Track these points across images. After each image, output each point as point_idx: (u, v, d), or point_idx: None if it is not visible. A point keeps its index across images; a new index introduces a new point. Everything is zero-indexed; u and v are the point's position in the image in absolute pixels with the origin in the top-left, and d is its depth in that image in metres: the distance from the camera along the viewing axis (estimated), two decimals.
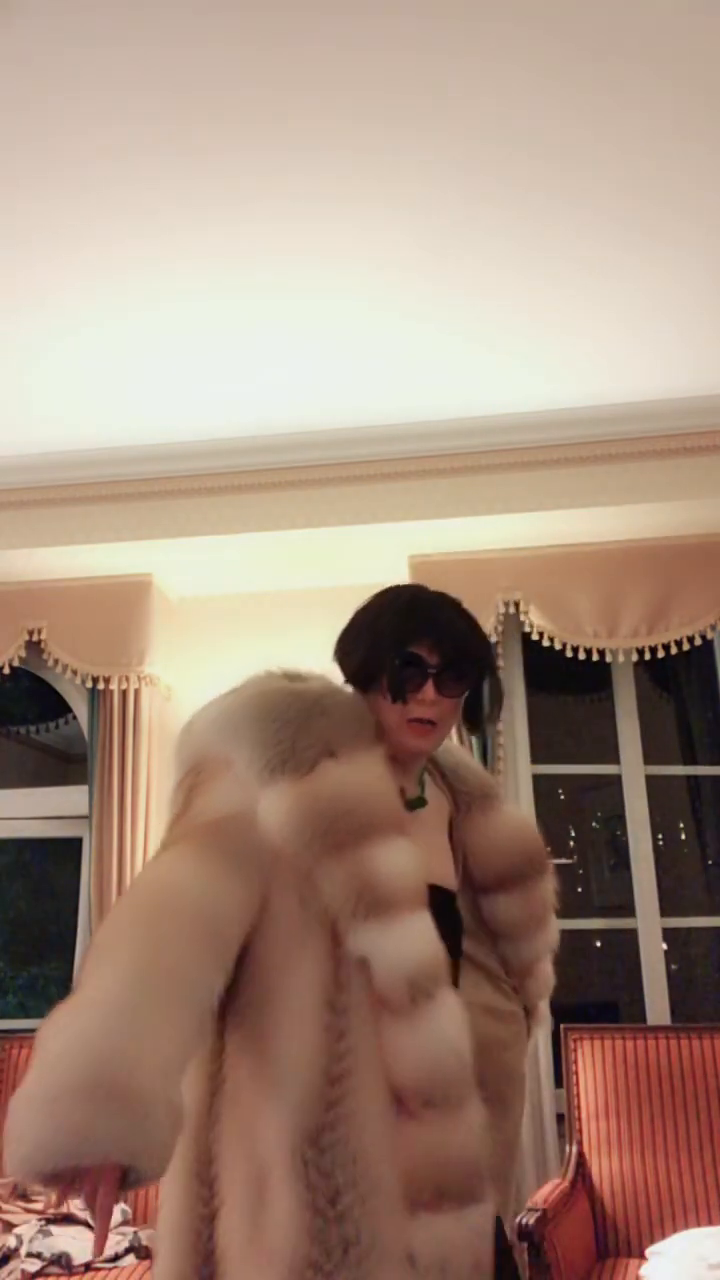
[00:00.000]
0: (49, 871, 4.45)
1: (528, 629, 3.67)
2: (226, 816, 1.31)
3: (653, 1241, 2.70)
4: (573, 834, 4.71)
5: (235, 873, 1.26)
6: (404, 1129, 1.21)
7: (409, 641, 1.44)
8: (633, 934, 3.53)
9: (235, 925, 1.24)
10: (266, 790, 1.31)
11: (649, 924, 3.53)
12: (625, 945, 3.55)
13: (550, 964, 1.54)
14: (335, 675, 1.54)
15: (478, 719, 1.53)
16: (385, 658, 1.44)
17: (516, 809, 1.64)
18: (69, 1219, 2.92)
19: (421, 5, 1.97)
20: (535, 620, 3.65)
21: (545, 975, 1.53)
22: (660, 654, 3.63)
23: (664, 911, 3.55)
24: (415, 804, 1.46)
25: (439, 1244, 1.17)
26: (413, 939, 1.25)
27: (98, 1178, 1.01)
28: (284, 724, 1.35)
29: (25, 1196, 3.00)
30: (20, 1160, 1.00)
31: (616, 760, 3.71)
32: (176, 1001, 1.13)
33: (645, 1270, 2.58)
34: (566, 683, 4.02)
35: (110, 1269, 2.80)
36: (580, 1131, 2.99)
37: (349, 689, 1.49)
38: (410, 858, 1.29)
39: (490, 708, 1.52)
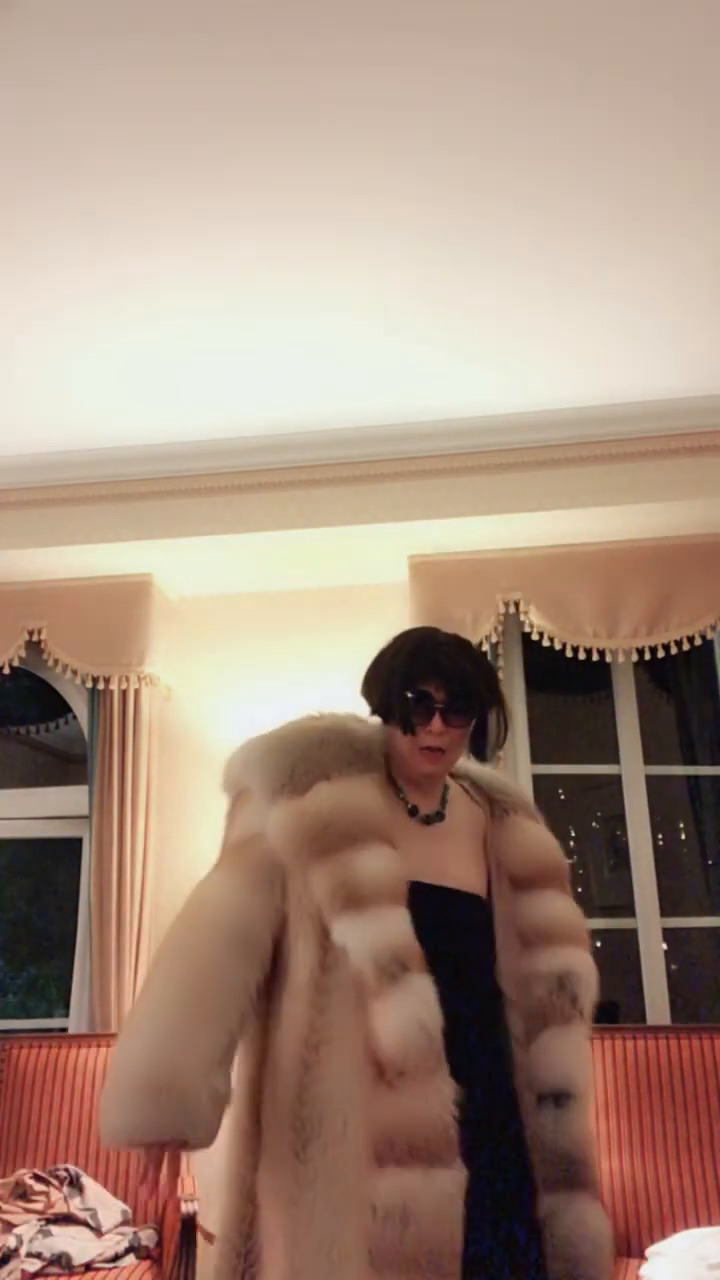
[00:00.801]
0: (49, 871, 4.45)
1: (528, 629, 3.67)
2: (249, 837, 1.62)
3: (653, 1241, 2.70)
4: (573, 834, 4.71)
5: (258, 884, 1.56)
6: (380, 1094, 1.42)
7: (418, 681, 1.66)
8: (633, 934, 3.53)
9: (263, 927, 1.54)
10: (271, 810, 1.58)
11: (649, 924, 3.53)
12: (625, 945, 3.55)
13: (582, 966, 1.64)
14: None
15: (482, 747, 1.74)
16: (398, 695, 1.67)
17: (545, 830, 1.82)
18: (69, 1219, 2.92)
19: (416, 23, 1.97)
20: (535, 620, 3.65)
21: (579, 976, 1.63)
22: (660, 654, 3.63)
23: (664, 911, 3.55)
24: (432, 819, 1.69)
25: (400, 1194, 1.37)
26: (382, 928, 1.47)
27: (160, 1150, 1.41)
28: (288, 755, 1.62)
29: (25, 1196, 3.00)
30: (106, 1136, 1.45)
31: (616, 760, 3.71)
32: (218, 1002, 1.47)
33: (645, 1270, 2.58)
34: (566, 683, 4.02)
35: (110, 1269, 2.80)
36: None
37: (364, 722, 1.73)
38: (386, 862, 1.52)
39: (495, 736, 1.73)
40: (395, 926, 1.48)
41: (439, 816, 1.70)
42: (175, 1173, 1.42)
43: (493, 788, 1.81)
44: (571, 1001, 1.59)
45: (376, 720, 1.73)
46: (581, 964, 1.63)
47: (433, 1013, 1.43)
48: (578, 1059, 1.58)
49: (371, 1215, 1.37)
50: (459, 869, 1.66)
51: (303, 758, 1.61)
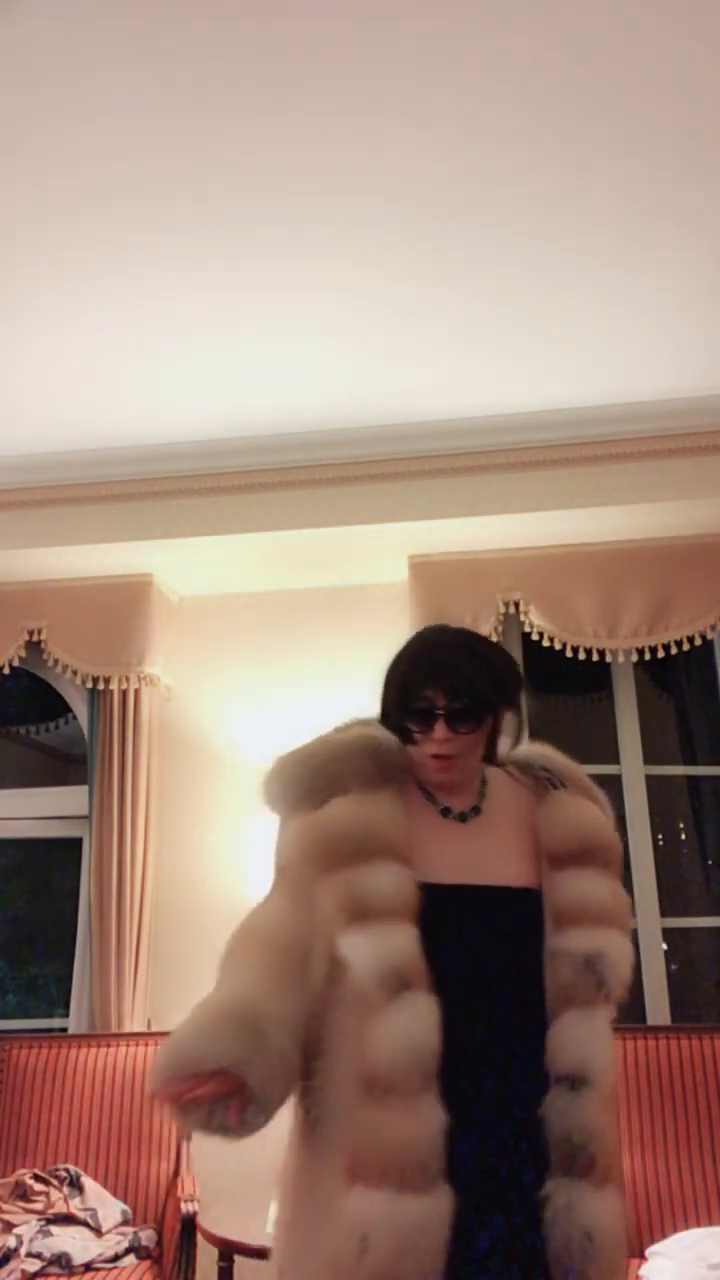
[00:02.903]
0: (49, 871, 4.44)
1: (528, 629, 3.67)
2: (285, 858, 1.62)
3: (653, 1241, 2.70)
4: None
5: (296, 900, 1.56)
6: (365, 1109, 1.40)
7: (419, 688, 1.61)
8: (633, 934, 3.51)
9: (309, 937, 1.53)
10: (288, 825, 1.61)
11: (649, 924, 3.54)
12: None
13: (612, 947, 1.56)
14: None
15: (491, 752, 1.69)
16: (397, 704, 1.64)
17: (594, 807, 1.71)
18: (69, 1219, 2.92)
19: (416, 21, 1.97)
20: (535, 620, 3.65)
21: (607, 958, 1.55)
22: (660, 654, 3.63)
23: (664, 911, 3.55)
24: (467, 815, 1.64)
25: (361, 1217, 1.34)
26: (385, 944, 1.45)
27: (221, 1081, 1.34)
28: (308, 770, 1.62)
29: (25, 1196, 3.00)
30: (166, 1061, 1.37)
31: (616, 760, 3.71)
32: (290, 980, 1.47)
33: (645, 1270, 2.58)
34: (566, 683, 4.01)
35: (110, 1269, 2.80)
36: None
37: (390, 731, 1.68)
38: (393, 878, 1.50)
39: (512, 735, 1.70)
40: (399, 942, 1.46)
41: (475, 811, 1.65)
42: (218, 1094, 1.35)
43: (536, 765, 1.72)
44: (597, 984, 1.52)
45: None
46: (612, 946, 1.55)
47: (427, 1032, 1.41)
48: (596, 1043, 1.49)
49: (337, 1236, 1.35)
50: (499, 864, 1.61)
51: (321, 773, 1.60)
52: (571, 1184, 1.43)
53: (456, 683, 1.59)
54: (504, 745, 1.74)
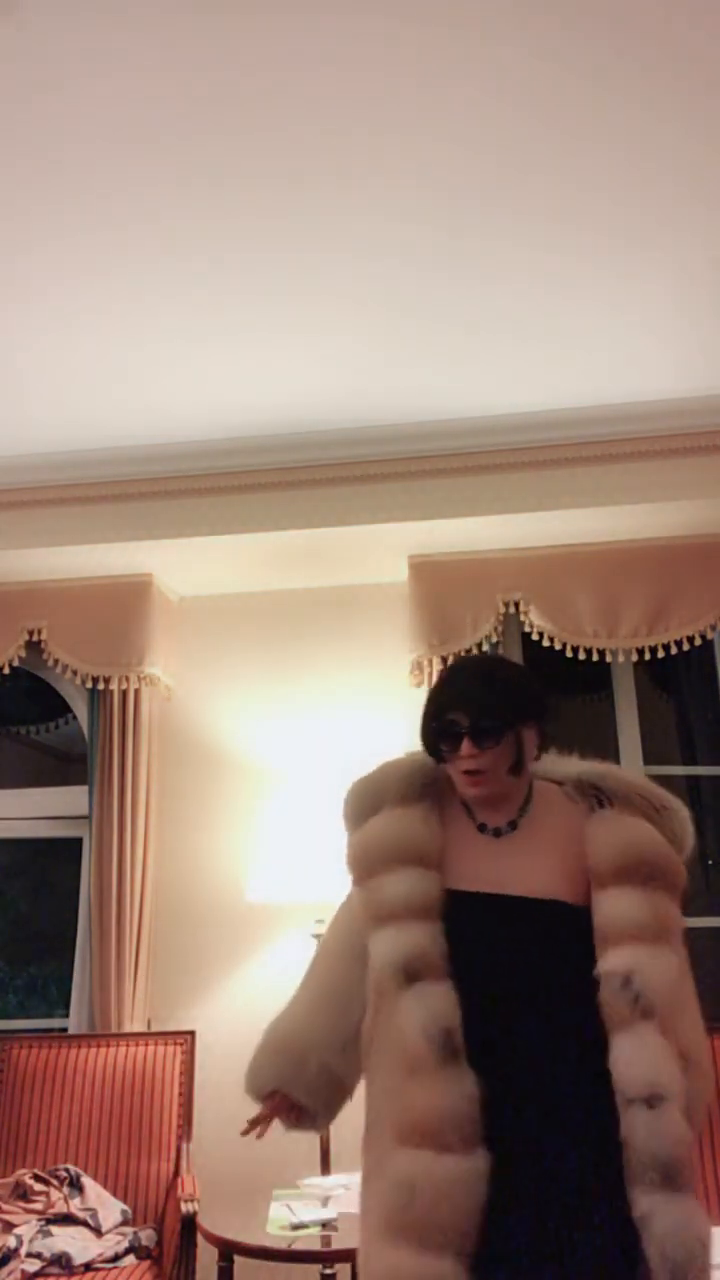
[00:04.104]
0: (49, 871, 4.44)
1: (528, 629, 3.67)
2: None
3: None
4: None
5: (349, 913, 1.82)
6: (407, 1086, 1.58)
7: (444, 711, 1.78)
8: None
9: (359, 952, 1.76)
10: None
11: None
12: None
13: (645, 963, 1.61)
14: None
15: (517, 764, 1.77)
16: (427, 726, 1.82)
17: (642, 825, 1.77)
18: (69, 1219, 2.92)
19: (416, 19, 1.97)
20: (535, 620, 3.65)
21: (642, 974, 1.60)
22: (660, 654, 3.63)
23: None
24: (502, 831, 1.78)
25: (409, 1170, 1.53)
26: (400, 940, 1.64)
27: (273, 1100, 1.81)
28: (363, 793, 1.85)
29: (25, 1197, 3.00)
30: (248, 1087, 1.83)
31: (617, 760, 3.70)
32: (338, 996, 1.80)
33: None
34: (566, 683, 4.01)
35: (110, 1269, 2.80)
36: None
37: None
38: (413, 882, 1.68)
39: (532, 750, 1.81)
40: (413, 937, 1.64)
41: (512, 827, 1.78)
42: (271, 1116, 1.81)
43: (589, 783, 1.81)
44: (633, 1002, 1.57)
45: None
46: (643, 962, 1.60)
47: (437, 1017, 1.57)
48: (651, 1059, 1.55)
49: (388, 1186, 1.55)
50: (527, 876, 1.72)
51: (367, 793, 1.84)
52: (674, 1198, 1.50)
53: (477, 704, 1.75)
54: (549, 760, 1.88)
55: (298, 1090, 1.78)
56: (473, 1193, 1.49)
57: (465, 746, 1.74)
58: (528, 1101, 1.57)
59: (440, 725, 1.77)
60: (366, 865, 1.75)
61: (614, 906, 1.66)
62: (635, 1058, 1.55)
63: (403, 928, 1.65)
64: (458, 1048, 1.56)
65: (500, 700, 1.76)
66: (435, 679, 1.90)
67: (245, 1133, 1.81)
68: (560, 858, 1.73)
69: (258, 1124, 1.81)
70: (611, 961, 1.61)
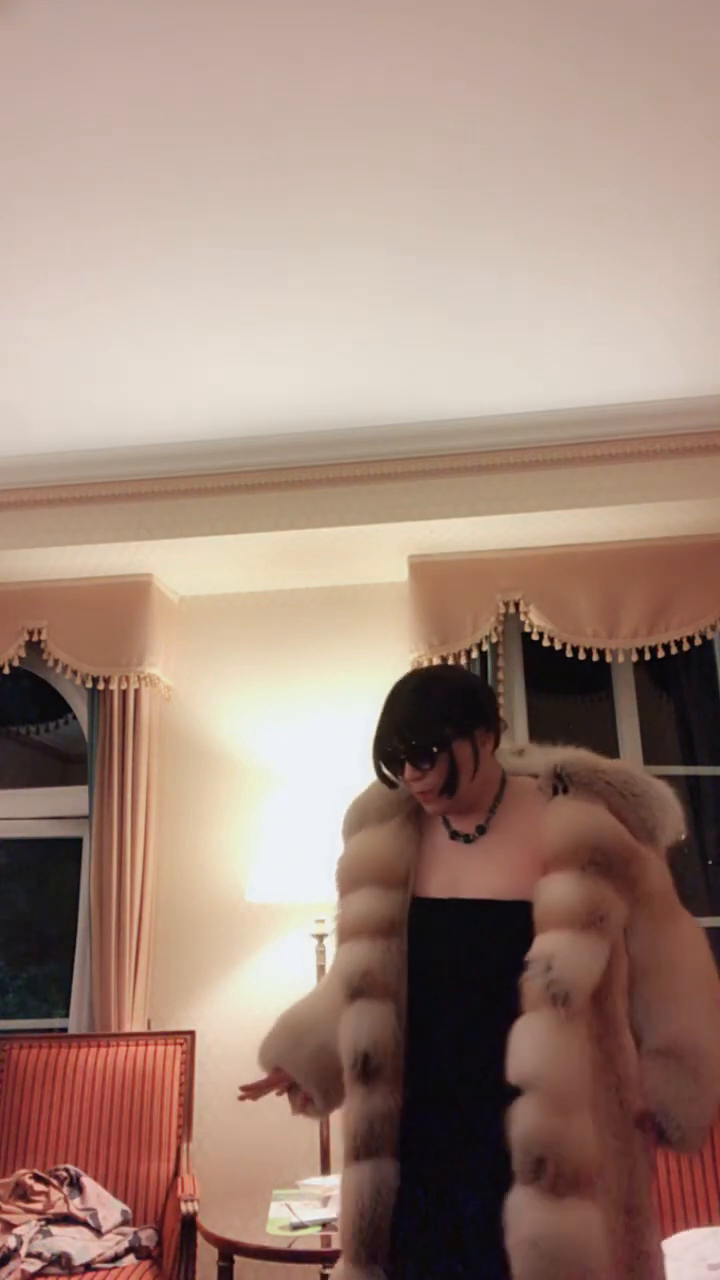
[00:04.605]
0: (49, 871, 4.44)
1: (528, 629, 3.67)
2: None
3: None
4: None
5: None
6: (349, 1096, 1.69)
7: (385, 739, 1.79)
8: None
9: None
10: None
11: None
12: None
13: (562, 948, 1.56)
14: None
15: (448, 785, 1.74)
16: (378, 757, 1.82)
17: (592, 809, 1.71)
18: (69, 1219, 2.93)
19: (416, 16, 1.97)
20: (535, 620, 3.65)
21: (556, 959, 1.56)
22: (660, 654, 3.63)
23: None
24: (471, 837, 1.79)
25: (346, 1183, 1.65)
26: (348, 958, 1.72)
27: (277, 1075, 1.86)
28: (351, 810, 1.92)
29: (25, 1197, 3.00)
30: (258, 1061, 1.88)
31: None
32: (332, 998, 1.79)
33: None
34: (566, 683, 4.01)
35: (110, 1269, 2.80)
36: None
37: None
38: (369, 902, 1.74)
39: (468, 765, 1.76)
40: (360, 956, 1.70)
41: (480, 831, 1.78)
42: (267, 1087, 1.86)
43: (554, 772, 1.77)
44: (545, 987, 1.52)
45: None
46: (563, 947, 1.54)
47: (363, 1032, 1.65)
48: (533, 1045, 1.50)
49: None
50: (491, 878, 1.72)
51: (358, 811, 1.91)
52: (520, 1191, 1.46)
53: (409, 726, 1.75)
54: (536, 752, 1.88)
55: (296, 1069, 1.82)
56: (380, 1199, 1.60)
57: (408, 770, 1.75)
58: (433, 1105, 1.64)
59: (382, 752, 1.80)
60: (340, 884, 1.83)
61: (550, 892, 1.60)
62: (518, 1043, 1.51)
63: (355, 944, 1.72)
64: (375, 1068, 1.63)
65: (431, 717, 1.74)
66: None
67: (242, 1098, 1.86)
68: (526, 852, 1.69)
69: (252, 1090, 1.86)
70: (536, 947, 1.56)
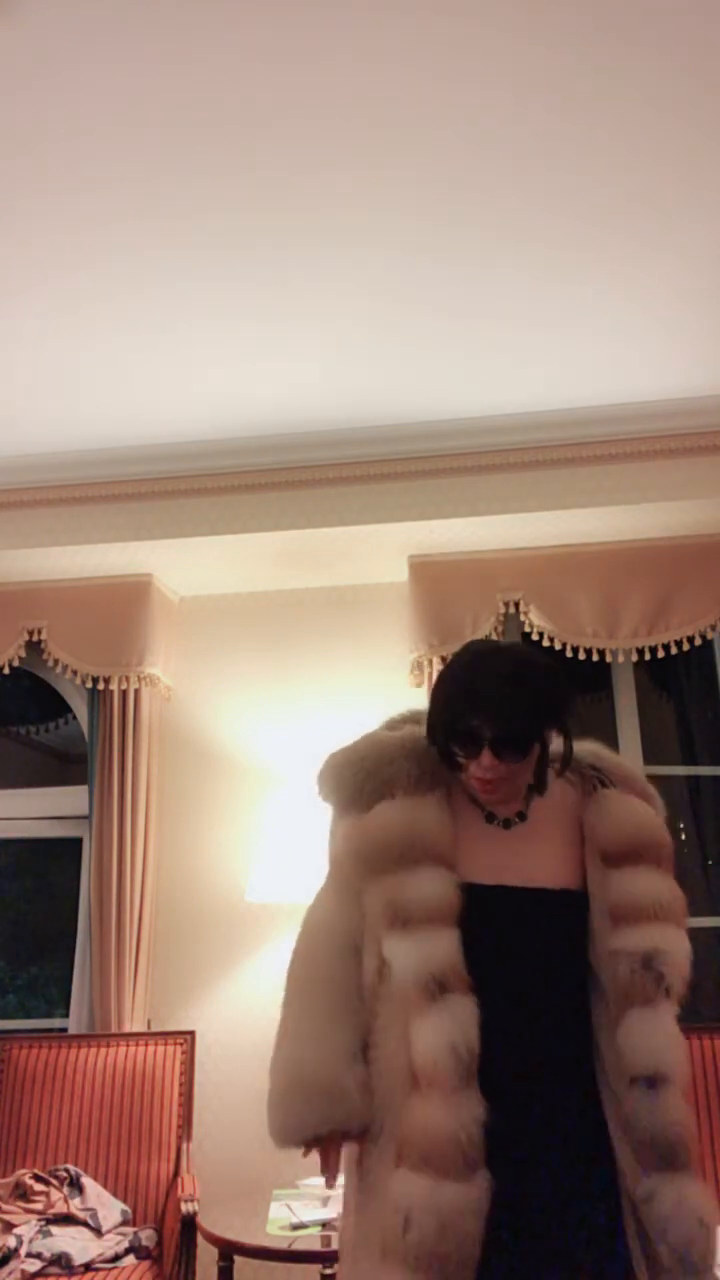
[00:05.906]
0: (49, 871, 4.44)
1: (528, 629, 3.67)
2: (337, 854, 1.73)
3: None
4: None
5: (347, 898, 1.67)
6: (410, 1100, 1.50)
7: (465, 718, 1.61)
8: None
9: (359, 936, 1.66)
10: (339, 825, 1.72)
11: None
12: None
13: (670, 943, 1.60)
14: None
15: (540, 779, 1.69)
16: (447, 728, 1.64)
17: (644, 804, 1.73)
18: (69, 1219, 2.93)
19: (419, 14, 1.97)
20: (535, 620, 3.65)
21: (666, 954, 1.59)
22: (660, 654, 3.63)
23: None
24: (511, 821, 1.69)
25: (406, 1198, 1.45)
26: (426, 949, 1.53)
27: (327, 1142, 1.58)
28: (358, 770, 1.69)
29: (25, 1197, 3.00)
30: (277, 1139, 1.59)
31: None
32: (340, 1005, 1.62)
33: None
34: (567, 683, 4.01)
35: (110, 1269, 2.80)
36: None
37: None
38: (436, 884, 1.57)
39: (562, 765, 1.71)
40: (438, 948, 1.54)
41: (521, 817, 1.70)
42: (336, 1163, 1.59)
43: (585, 764, 1.75)
44: (656, 981, 1.55)
45: None
46: (670, 942, 1.58)
47: (466, 1034, 1.49)
48: (664, 1039, 1.54)
49: (389, 1210, 1.47)
50: (539, 866, 1.66)
51: (371, 774, 1.68)
52: (674, 1178, 1.49)
53: (504, 713, 1.59)
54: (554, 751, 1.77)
55: (351, 1123, 1.58)
56: (474, 1220, 1.43)
57: (485, 757, 1.60)
58: (528, 1117, 1.53)
59: (459, 730, 1.62)
60: (382, 860, 1.60)
61: (633, 885, 1.61)
62: (647, 1034, 1.54)
63: (428, 935, 1.54)
64: (473, 1070, 1.48)
65: (529, 708, 1.61)
66: (450, 668, 1.69)
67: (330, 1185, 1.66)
68: (565, 843, 1.69)
69: (331, 1172, 1.61)
70: (632, 940, 1.58)
